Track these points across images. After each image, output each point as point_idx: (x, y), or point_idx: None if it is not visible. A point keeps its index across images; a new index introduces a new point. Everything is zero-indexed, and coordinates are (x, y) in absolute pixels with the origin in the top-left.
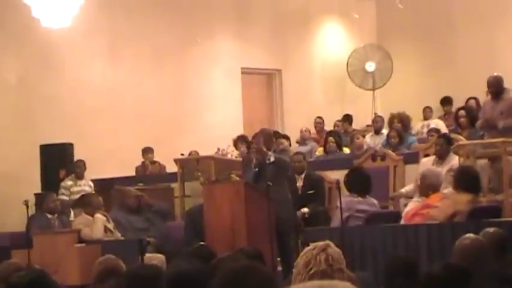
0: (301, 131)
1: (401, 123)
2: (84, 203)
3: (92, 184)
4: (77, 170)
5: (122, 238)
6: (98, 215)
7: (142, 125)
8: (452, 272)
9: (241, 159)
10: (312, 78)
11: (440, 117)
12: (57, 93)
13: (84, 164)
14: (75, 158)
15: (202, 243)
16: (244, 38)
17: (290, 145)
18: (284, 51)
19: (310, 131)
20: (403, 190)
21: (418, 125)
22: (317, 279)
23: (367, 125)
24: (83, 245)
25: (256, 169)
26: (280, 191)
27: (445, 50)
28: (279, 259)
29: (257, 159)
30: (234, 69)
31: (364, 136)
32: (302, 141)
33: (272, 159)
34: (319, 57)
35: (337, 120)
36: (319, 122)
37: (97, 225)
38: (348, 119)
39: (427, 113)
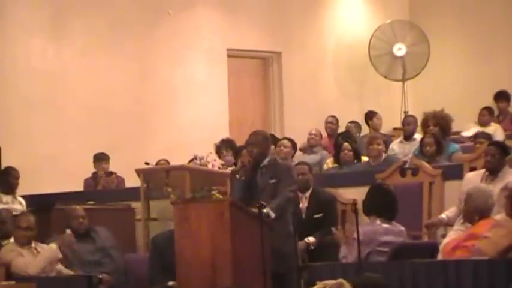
0: (310, 135)
1: (439, 125)
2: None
3: (23, 202)
4: (7, 181)
5: (69, 272)
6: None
7: (95, 123)
8: None
9: (226, 170)
10: (322, 64)
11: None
12: None
13: (17, 173)
14: (3, 166)
15: (172, 283)
16: (232, 10)
17: (294, 153)
18: (285, 27)
19: (321, 135)
20: (443, 216)
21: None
22: None
23: (395, 128)
24: (13, 282)
25: (243, 178)
26: (279, 219)
27: (500, 29)
28: None
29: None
30: (218, 51)
31: (385, 142)
32: (309, 149)
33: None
34: (332, 36)
35: (350, 122)
36: (331, 122)
37: (42, 256)
38: (371, 117)
39: (483, 117)
